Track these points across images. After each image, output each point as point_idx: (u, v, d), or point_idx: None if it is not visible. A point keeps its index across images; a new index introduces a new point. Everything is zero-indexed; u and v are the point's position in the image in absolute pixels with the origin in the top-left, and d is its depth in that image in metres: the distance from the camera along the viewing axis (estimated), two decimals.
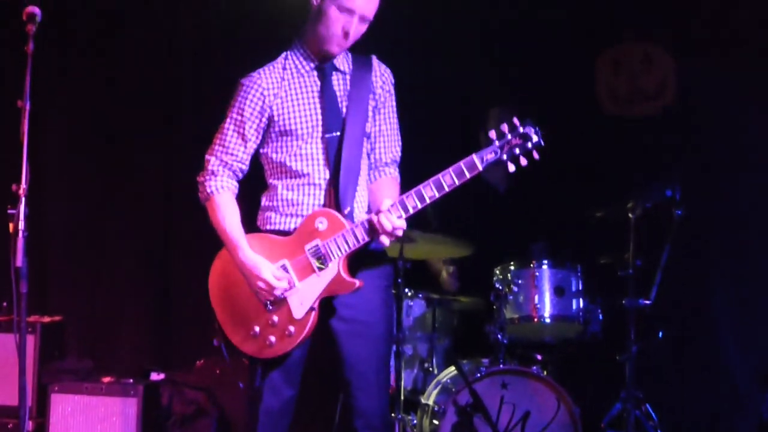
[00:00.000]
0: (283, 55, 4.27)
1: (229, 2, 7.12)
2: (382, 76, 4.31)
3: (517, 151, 3.92)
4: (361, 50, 4.34)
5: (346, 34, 4.11)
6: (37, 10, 3.96)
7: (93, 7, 7.35)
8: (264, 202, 4.26)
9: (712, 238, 6.72)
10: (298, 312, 4.03)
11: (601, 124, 7.10)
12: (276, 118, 4.15)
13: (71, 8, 7.29)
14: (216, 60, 7.20)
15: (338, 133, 4.15)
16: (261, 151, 4.25)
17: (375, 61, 4.33)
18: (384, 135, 4.32)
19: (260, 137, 4.22)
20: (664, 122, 6.98)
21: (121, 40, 7.41)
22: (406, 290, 5.96)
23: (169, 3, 7.41)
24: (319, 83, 4.20)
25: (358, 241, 4.00)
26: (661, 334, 6.22)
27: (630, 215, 5.92)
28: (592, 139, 6.93)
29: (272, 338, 4.06)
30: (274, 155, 4.20)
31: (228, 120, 4.22)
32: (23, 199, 3.81)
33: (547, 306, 5.93)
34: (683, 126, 6.84)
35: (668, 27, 6.98)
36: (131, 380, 6.38)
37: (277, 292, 4.02)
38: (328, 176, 4.13)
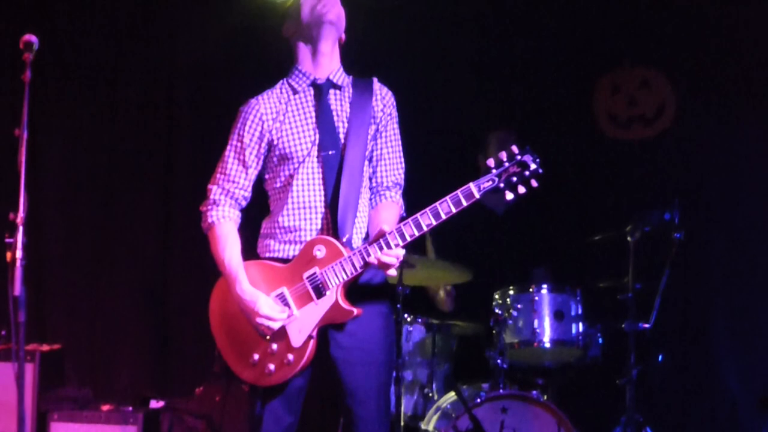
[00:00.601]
0: (280, 81, 4.29)
1: (228, 35, 7.15)
2: (383, 99, 4.30)
3: (515, 179, 3.91)
4: (360, 70, 4.36)
5: None
6: (34, 38, 3.96)
7: (93, 34, 7.36)
8: (263, 229, 4.26)
9: (711, 261, 6.73)
10: (296, 340, 4.02)
11: (599, 147, 7.13)
12: (275, 142, 4.16)
13: (70, 37, 7.30)
14: (214, 91, 7.23)
15: (334, 152, 4.14)
16: (263, 177, 4.26)
17: (376, 83, 4.32)
18: (385, 159, 4.30)
19: (261, 163, 4.22)
20: (662, 145, 7.00)
21: (122, 66, 7.42)
22: (406, 315, 5.95)
23: (169, 33, 7.44)
24: (314, 100, 4.21)
25: (356, 269, 3.98)
26: (661, 357, 6.21)
27: (629, 239, 5.92)
28: (590, 163, 6.97)
29: (271, 366, 4.04)
30: (274, 180, 4.21)
31: (228, 148, 4.23)
32: (21, 228, 3.81)
33: (546, 330, 5.92)
34: (681, 149, 6.87)
35: (666, 52, 7.01)
36: (131, 408, 6.36)
37: (276, 326, 4.00)
38: (324, 199, 4.12)
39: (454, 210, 3.91)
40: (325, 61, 4.24)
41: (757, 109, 6.69)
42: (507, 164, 3.92)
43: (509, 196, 3.92)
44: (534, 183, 3.93)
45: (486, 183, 3.92)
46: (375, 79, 4.33)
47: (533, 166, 3.91)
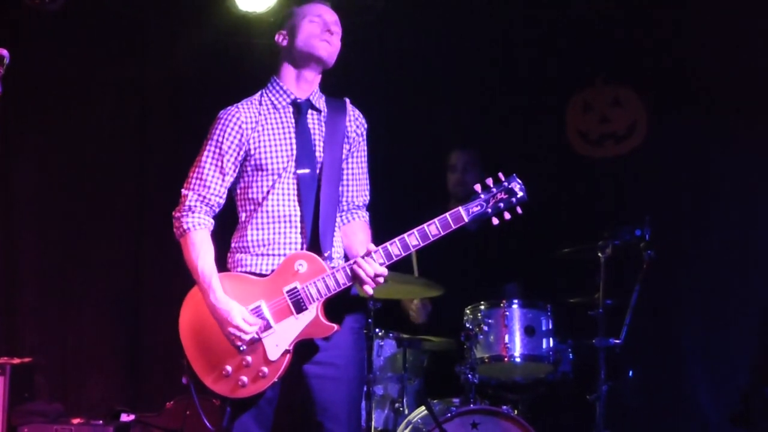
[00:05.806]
0: (259, 92, 4.31)
1: (199, 51, 7.17)
2: (356, 120, 4.35)
3: (502, 205, 4.01)
4: (331, 89, 4.39)
5: (326, 28, 4.22)
6: (5, 52, 3.97)
7: (64, 49, 7.35)
8: (234, 243, 4.24)
9: (682, 278, 6.76)
10: (273, 353, 4.02)
11: (571, 165, 7.16)
12: (252, 152, 4.16)
13: (43, 54, 7.28)
14: (186, 106, 7.25)
15: (309, 170, 4.16)
16: (235, 187, 4.25)
17: (348, 104, 4.36)
18: (356, 178, 4.35)
19: (237, 171, 4.21)
20: (633, 163, 7.04)
21: (94, 81, 7.41)
22: (377, 330, 5.96)
23: (141, 49, 7.45)
24: (294, 118, 4.22)
25: (338, 285, 4.01)
26: (631, 373, 6.24)
27: (600, 255, 5.94)
28: (562, 180, 7.00)
29: (245, 379, 4.03)
30: (247, 192, 4.20)
31: (205, 153, 4.20)
32: None
33: (517, 345, 5.92)
34: (653, 167, 6.90)
35: (638, 70, 7.06)
36: (101, 422, 6.35)
37: (246, 338, 4.00)
38: (300, 215, 4.14)
39: (442, 232, 3.99)
40: (307, 85, 4.29)
41: (727, 127, 6.74)
42: (494, 190, 4.02)
43: (495, 221, 4.03)
44: (519, 210, 4.03)
45: (475, 207, 4.01)
46: (347, 100, 4.38)
47: (520, 194, 4.03)
